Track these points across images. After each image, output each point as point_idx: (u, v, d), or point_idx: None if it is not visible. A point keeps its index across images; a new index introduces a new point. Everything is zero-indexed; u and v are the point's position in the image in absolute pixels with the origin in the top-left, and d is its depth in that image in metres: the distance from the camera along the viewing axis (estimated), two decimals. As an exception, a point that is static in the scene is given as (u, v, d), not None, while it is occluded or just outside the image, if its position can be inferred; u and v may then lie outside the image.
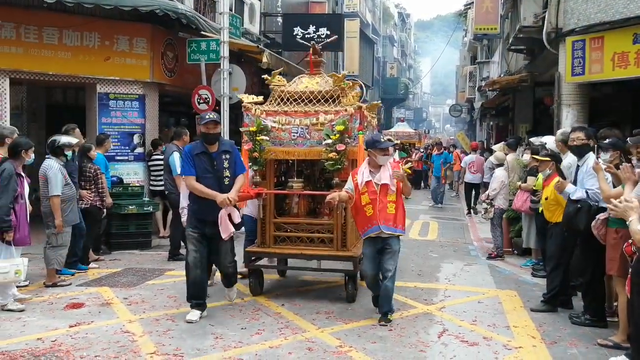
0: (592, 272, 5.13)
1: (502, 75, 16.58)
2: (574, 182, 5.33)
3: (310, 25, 15.62)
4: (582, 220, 5.02)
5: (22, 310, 5.28)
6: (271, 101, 6.01)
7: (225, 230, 5.01)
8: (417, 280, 6.85)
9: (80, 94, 10.43)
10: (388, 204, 5.01)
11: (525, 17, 10.59)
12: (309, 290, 6.32)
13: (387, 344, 4.60)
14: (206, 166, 5.00)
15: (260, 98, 5.99)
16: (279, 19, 17.21)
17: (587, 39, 8.48)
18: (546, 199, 5.95)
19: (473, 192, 13.66)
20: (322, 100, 5.83)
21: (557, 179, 5.71)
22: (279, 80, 6.09)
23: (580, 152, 5.27)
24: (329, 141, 5.50)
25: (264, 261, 6.26)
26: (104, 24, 8.72)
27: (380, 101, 11.89)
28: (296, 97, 5.89)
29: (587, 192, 5.04)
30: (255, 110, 5.80)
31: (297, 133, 5.71)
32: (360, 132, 5.60)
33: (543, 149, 6.91)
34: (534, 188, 7.14)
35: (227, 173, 5.06)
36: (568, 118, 9.14)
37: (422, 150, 20.67)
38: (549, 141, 6.98)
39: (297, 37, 15.44)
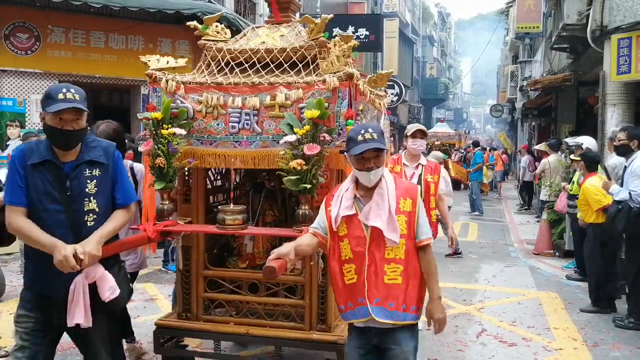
0: (636, 274, 5.04)
1: (544, 75, 16.22)
2: (621, 183, 5.24)
3: (349, 26, 15.72)
4: (621, 222, 4.94)
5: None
6: (201, 68, 3.50)
7: (79, 316, 2.56)
8: (455, 281, 6.83)
9: (124, 96, 10.82)
10: (386, 266, 2.53)
11: (568, 14, 10.34)
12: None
13: (426, 343, 4.63)
14: (50, 189, 2.57)
15: (182, 61, 3.50)
16: (318, 20, 17.34)
17: (633, 37, 8.23)
18: (577, 198, 5.91)
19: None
20: (290, 66, 3.36)
21: (591, 178, 5.64)
22: (217, 33, 3.58)
23: (620, 152, 5.25)
24: (291, 138, 2.99)
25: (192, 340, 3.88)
26: (148, 27, 9.05)
27: (405, 94, 11.87)
28: (243, 60, 3.40)
29: (630, 194, 4.94)
30: (168, 82, 3.27)
31: (238, 123, 3.21)
32: (350, 121, 3.06)
33: (579, 149, 6.82)
34: (570, 192, 7.03)
35: (91, 204, 2.62)
36: (613, 118, 8.89)
37: (462, 151, 20.39)
38: (585, 141, 6.87)
39: (336, 37, 15.54)
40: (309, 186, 2.96)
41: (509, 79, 28.04)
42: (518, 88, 24.14)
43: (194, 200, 3.46)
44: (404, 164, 4.78)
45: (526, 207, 14.41)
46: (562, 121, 14.47)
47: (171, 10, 8.45)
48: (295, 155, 2.95)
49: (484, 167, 15.43)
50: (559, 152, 10.05)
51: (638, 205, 4.86)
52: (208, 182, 3.68)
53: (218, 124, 3.24)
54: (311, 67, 3.31)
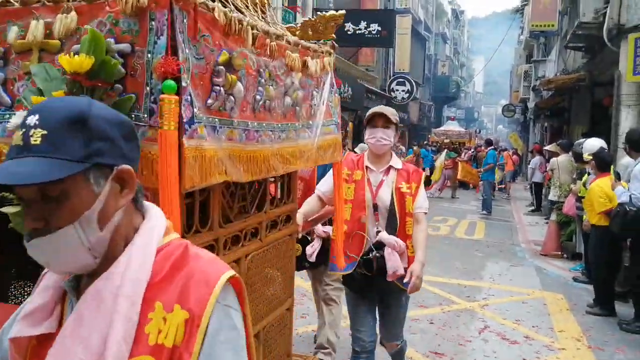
0: (638, 277, 4.99)
1: (558, 75, 16.06)
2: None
3: (362, 21, 15.63)
4: (616, 224, 4.92)
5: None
6: None
7: None
8: (460, 278, 6.80)
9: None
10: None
11: (584, 12, 10.21)
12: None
13: (428, 336, 4.62)
14: None
15: None
16: (331, 14, 17.26)
17: (650, 37, 8.12)
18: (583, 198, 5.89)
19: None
20: None
21: (600, 179, 5.59)
22: None
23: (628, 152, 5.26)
24: (14, 121, 1.36)
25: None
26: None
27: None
28: None
29: (630, 197, 4.90)
30: None
31: None
32: (169, 81, 1.31)
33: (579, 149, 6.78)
34: (579, 194, 6.97)
35: None
36: (627, 119, 8.77)
37: (472, 150, 20.25)
38: (589, 143, 6.80)
39: (348, 32, 15.49)
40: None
41: (522, 79, 27.83)
42: (531, 88, 23.96)
43: None
44: (366, 167, 3.10)
45: (535, 209, 14.29)
46: (576, 122, 14.33)
47: None
48: None
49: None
50: (570, 153, 9.95)
51: (635, 208, 4.81)
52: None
53: None
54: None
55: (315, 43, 2.32)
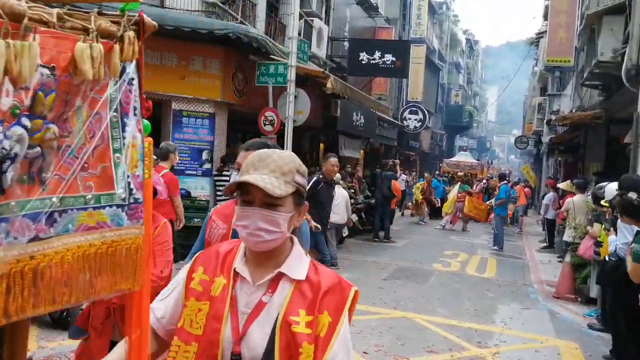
0: (626, 331, 4.86)
1: (574, 110, 15.96)
2: None
3: (376, 51, 15.71)
4: (598, 273, 4.87)
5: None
6: None
7: None
8: (471, 321, 6.63)
9: (155, 109, 10.92)
10: None
11: (602, 52, 10.16)
12: (359, 320, 6.24)
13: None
14: None
15: None
16: (346, 44, 17.42)
17: (670, 79, 8.05)
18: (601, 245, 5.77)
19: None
20: None
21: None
22: None
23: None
24: None
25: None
26: (182, 45, 9.15)
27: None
28: None
29: (615, 247, 4.83)
30: None
31: None
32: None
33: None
34: (598, 239, 6.80)
35: None
36: (645, 161, 8.65)
37: (484, 182, 20.10)
38: (614, 188, 6.67)
39: (363, 62, 15.57)
40: None
41: (536, 111, 27.72)
42: (545, 121, 23.83)
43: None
44: (235, 272, 1.48)
45: (548, 245, 14.05)
46: (590, 159, 14.17)
47: (205, 30, 8.56)
48: None
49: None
50: (586, 193, 9.80)
51: (614, 259, 4.73)
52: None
53: None
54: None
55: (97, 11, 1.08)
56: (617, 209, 4.57)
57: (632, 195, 4.58)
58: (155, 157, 4.80)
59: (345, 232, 11.61)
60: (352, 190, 14.30)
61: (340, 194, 9.34)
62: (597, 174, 11.57)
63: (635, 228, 4.48)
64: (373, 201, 13.77)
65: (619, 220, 4.94)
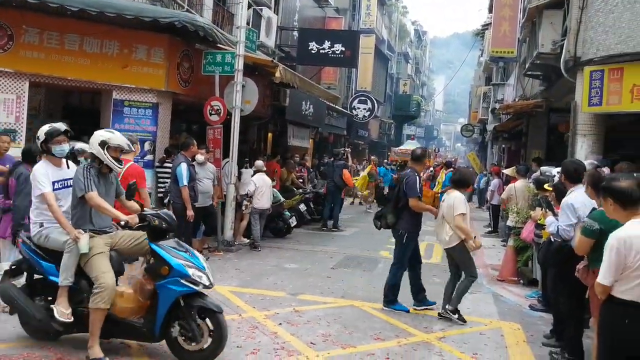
0: (569, 310, 5.08)
1: (516, 99, 16.51)
2: None
3: (326, 41, 15.69)
4: (541, 254, 5.10)
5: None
6: None
7: None
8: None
9: (96, 97, 10.52)
10: None
11: (543, 43, 10.52)
12: (307, 310, 6.26)
13: (385, 374, 4.53)
14: None
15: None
16: (295, 33, 17.30)
17: (606, 70, 8.38)
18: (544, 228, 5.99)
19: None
20: None
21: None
22: None
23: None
24: None
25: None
26: (124, 33, 8.80)
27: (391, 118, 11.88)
28: None
29: (557, 228, 5.07)
30: None
31: None
32: None
33: (552, 180, 6.89)
34: (538, 221, 7.08)
35: None
36: (583, 148, 9.03)
37: (431, 170, 20.50)
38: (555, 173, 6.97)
39: (312, 51, 15.52)
40: None
41: (481, 100, 28.54)
42: (490, 110, 24.57)
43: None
44: None
45: (492, 230, 14.54)
46: (532, 146, 14.71)
47: (149, 17, 8.24)
48: None
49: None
50: (527, 178, 10.16)
51: (559, 240, 4.95)
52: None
53: None
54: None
55: None
56: (588, 179, 4.80)
57: (605, 169, 4.96)
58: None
59: (294, 222, 11.59)
60: (301, 180, 14.30)
61: (264, 181, 10.05)
62: (536, 160, 12.02)
63: (582, 208, 4.81)
64: (322, 190, 13.82)
65: (561, 203, 5.12)
